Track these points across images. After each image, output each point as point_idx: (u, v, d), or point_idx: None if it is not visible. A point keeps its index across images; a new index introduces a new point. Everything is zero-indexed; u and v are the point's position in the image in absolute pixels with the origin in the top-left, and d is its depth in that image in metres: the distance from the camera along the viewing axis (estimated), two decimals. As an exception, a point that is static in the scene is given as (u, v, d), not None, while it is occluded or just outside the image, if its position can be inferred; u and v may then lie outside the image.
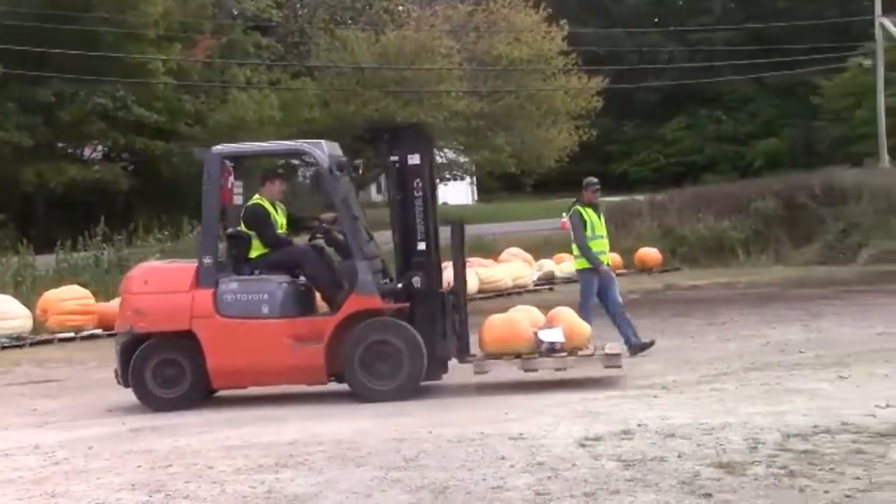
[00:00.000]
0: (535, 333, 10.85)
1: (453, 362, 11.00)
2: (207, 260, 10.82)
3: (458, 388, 10.93)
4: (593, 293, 12.79)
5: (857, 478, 6.47)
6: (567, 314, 11.20)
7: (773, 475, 6.65)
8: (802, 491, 6.28)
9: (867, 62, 42.46)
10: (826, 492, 6.23)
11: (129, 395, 11.03)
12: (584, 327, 11.14)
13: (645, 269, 25.56)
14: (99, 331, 17.93)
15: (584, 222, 12.81)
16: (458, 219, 11.32)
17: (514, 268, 23.10)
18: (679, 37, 58.54)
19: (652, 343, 12.75)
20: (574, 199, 13.20)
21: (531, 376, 10.91)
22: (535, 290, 22.50)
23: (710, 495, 6.31)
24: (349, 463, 7.67)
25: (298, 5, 46.19)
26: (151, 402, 10.82)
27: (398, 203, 10.89)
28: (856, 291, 19.41)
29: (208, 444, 8.70)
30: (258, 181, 11.63)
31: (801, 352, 12.33)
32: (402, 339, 10.54)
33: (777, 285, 21.50)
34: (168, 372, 10.82)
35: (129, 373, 10.86)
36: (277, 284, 10.82)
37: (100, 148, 41.05)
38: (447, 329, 10.78)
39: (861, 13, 44.00)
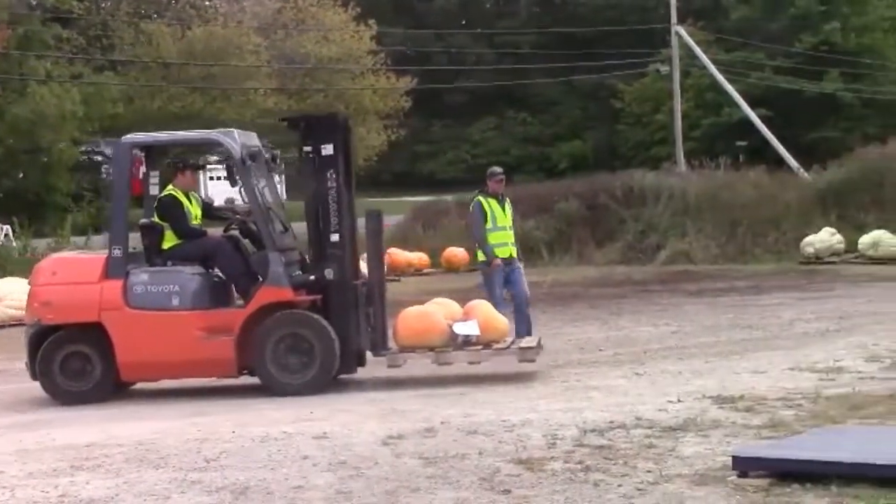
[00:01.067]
0: (451, 326, 10.74)
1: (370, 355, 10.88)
2: (117, 251, 10.64)
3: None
4: (498, 285, 12.48)
5: (649, 471, 6.69)
6: (484, 307, 11.14)
7: (569, 470, 6.82)
8: (597, 485, 6.45)
9: (665, 69, 43.97)
10: (619, 485, 6.41)
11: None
12: (500, 321, 11.07)
13: (452, 269, 25.81)
14: None
15: (485, 213, 12.56)
16: (377, 209, 11.20)
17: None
18: (487, 39, 59.43)
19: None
20: (477, 190, 13.00)
21: (444, 369, 10.78)
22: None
23: (508, 491, 6.42)
24: (147, 465, 7.53)
25: (101, -3, 45.07)
26: (59, 396, 10.57)
27: (311, 194, 10.74)
28: (653, 291, 20.03)
29: (1, 448, 8.41)
30: (172, 171, 11.39)
31: (600, 350, 12.66)
32: (314, 332, 10.40)
33: (579, 285, 22.01)
34: (76, 365, 10.59)
35: (36, 366, 10.59)
36: (189, 276, 10.65)
37: None
38: (361, 322, 10.65)
39: (659, 21, 45.51)
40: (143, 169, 11.03)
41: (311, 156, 10.71)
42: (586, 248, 27.03)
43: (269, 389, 10.44)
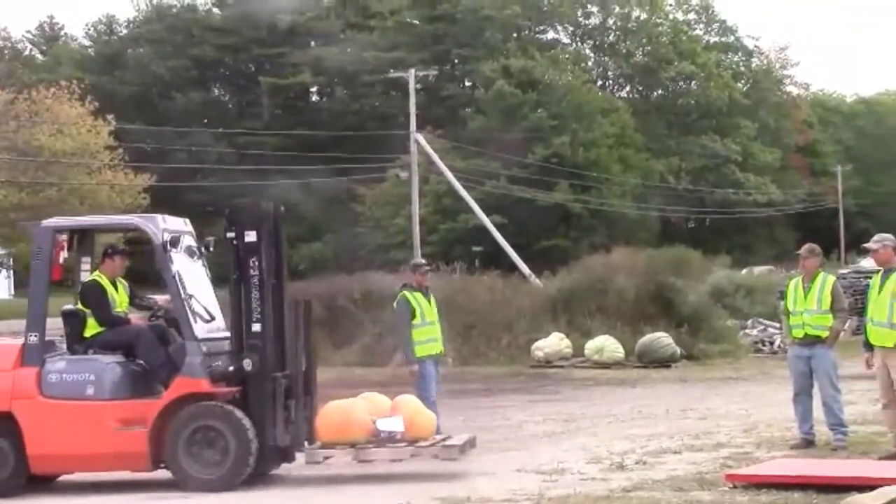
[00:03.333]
0: (374, 422, 10.35)
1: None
2: (33, 338, 10.17)
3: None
4: (431, 382, 12.03)
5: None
6: (410, 403, 10.81)
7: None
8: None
9: (404, 174, 44.92)
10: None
11: None
12: (428, 417, 10.73)
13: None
14: None
15: (413, 309, 12.14)
16: (306, 299, 10.77)
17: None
18: (228, 139, 59.30)
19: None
20: (402, 284, 12.51)
21: (364, 468, 10.40)
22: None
23: None
24: None
25: None
26: None
27: (234, 282, 10.33)
28: (389, 392, 20.12)
29: None
30: (100, 257, 10.94)
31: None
32: (229, 425, 9.95)
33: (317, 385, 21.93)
34: None
35: None
36: (106, 365, 10.15)
37: None
38: (279, 415, 10.15)
39: (399, 127, 46.60)
40: (64, 254, 10.65)
41: (234, 243, 10.41)
42: (324, 350, 27.02)
43: (180, 485, 10.01)
